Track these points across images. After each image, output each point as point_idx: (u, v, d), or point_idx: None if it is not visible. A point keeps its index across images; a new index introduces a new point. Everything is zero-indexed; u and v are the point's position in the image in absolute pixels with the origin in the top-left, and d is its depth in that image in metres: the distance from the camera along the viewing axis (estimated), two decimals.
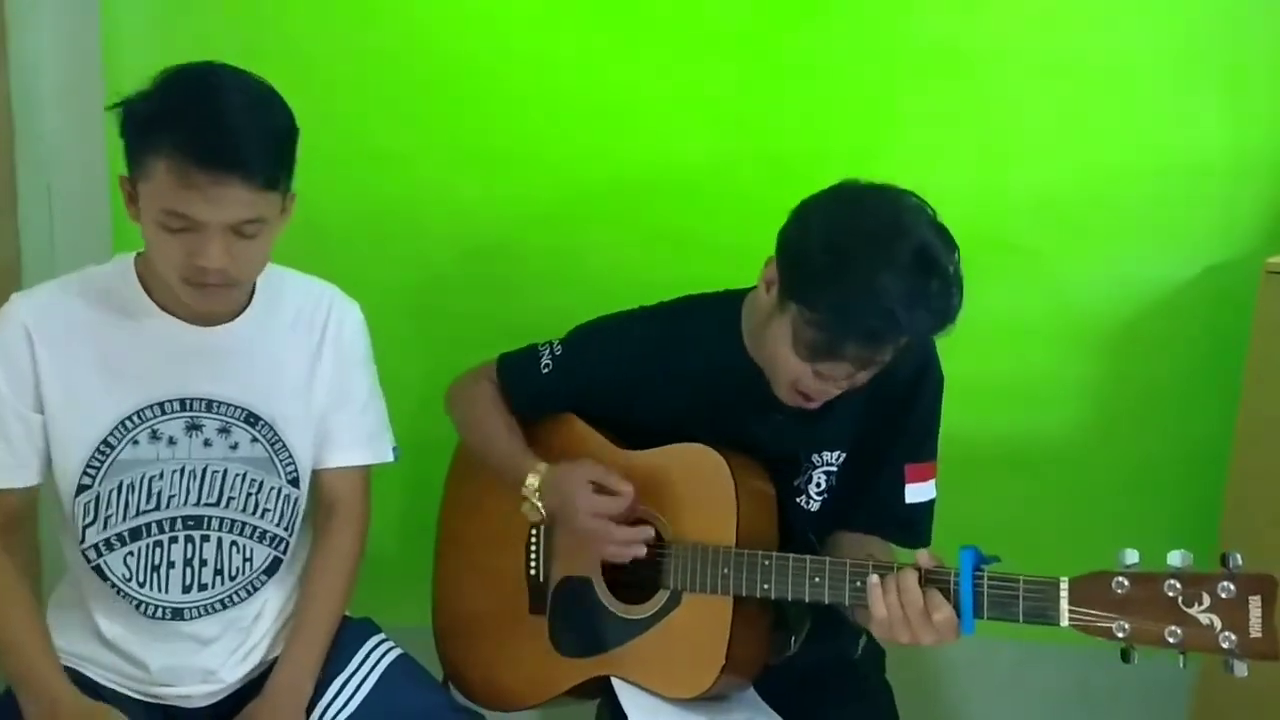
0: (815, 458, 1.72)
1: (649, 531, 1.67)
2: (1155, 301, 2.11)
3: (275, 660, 1.69)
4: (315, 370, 1.69)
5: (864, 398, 1.67)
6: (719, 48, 2.09)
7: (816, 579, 1.55)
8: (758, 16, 2.08)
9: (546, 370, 1.80)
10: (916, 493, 1.71)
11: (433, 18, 2.08)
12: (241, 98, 1.47)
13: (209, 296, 1.52)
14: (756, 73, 2.09)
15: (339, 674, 1.69)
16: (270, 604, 1.72)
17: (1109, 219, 2.09)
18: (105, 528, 1.60)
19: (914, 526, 1.69)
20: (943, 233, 1.52)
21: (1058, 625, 1.37)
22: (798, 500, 1.73)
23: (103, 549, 1.61)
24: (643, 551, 1.67)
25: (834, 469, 1.72)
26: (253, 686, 1.67)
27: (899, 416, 1.70)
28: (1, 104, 1.99)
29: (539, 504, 1.73)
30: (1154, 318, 2.11)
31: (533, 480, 1.73)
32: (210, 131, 1.42)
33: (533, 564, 1.82)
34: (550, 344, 1.82)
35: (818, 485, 1.72)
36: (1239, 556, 1.31)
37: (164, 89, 1.46)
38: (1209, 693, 2.03)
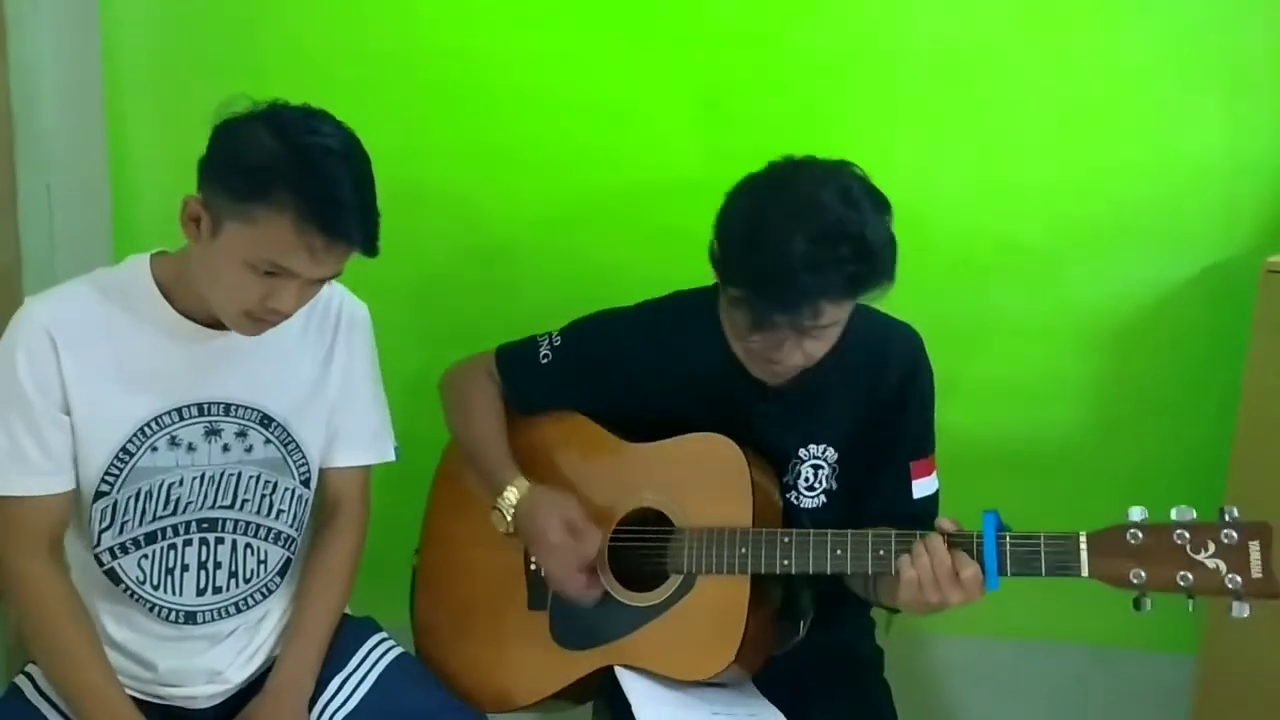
0: (802, 451, 1.73)
1: (599, 590, 1.71)
2: (1155, 301, 2.12)
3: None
4: (328, 370, 1.69)
5: (855, 396, 1.70)
6: (719, 48, 2.10)
7: (839, 551, 1.57)
8: (758, 16, 2.08)
9: (545, 361, 1.81)
10: (922, 487, 1.74)
11: (433, 17, 2.09)
12: (356, 165, 1.48)
13: (261, 328, 1.54)
14: (757, 72, 2.10)
15: (339, 672, 1.69)
16: (276, 603, 1.72)
17: (1109, 219, 2.10)
18: (121, 533, 1.60)
19: (924, 520, 1.68)
20: (862, 199, 1.54)
21: (1079, 576, 1.46)
22: (788, 495, 1.74)
23: (117, 552, 1.60)
24: (590, 604, 1.71)
25: (822, 463, 1.73)
26: (255, 685, 1.67)
27: (895, 417, 1.72)
28: (1, 104, 1.99)
29: (508, 516, 1.74)
30: (1154, 317, 2.12)
31: (510, 495, 1.74)
32: (338, 207, 1.44)
33: (534, 559, 1.82)
34: (549, 335, 1.83)
35: (806, 480, 1.73)
36: (1235, 510, 1.43)
37: (285, 139, 1.45)
38: (1210, 693, 2.03)
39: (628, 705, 1.63)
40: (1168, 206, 2.09)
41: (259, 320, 1.51)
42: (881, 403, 1.71)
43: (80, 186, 2.09)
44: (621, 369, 1.77)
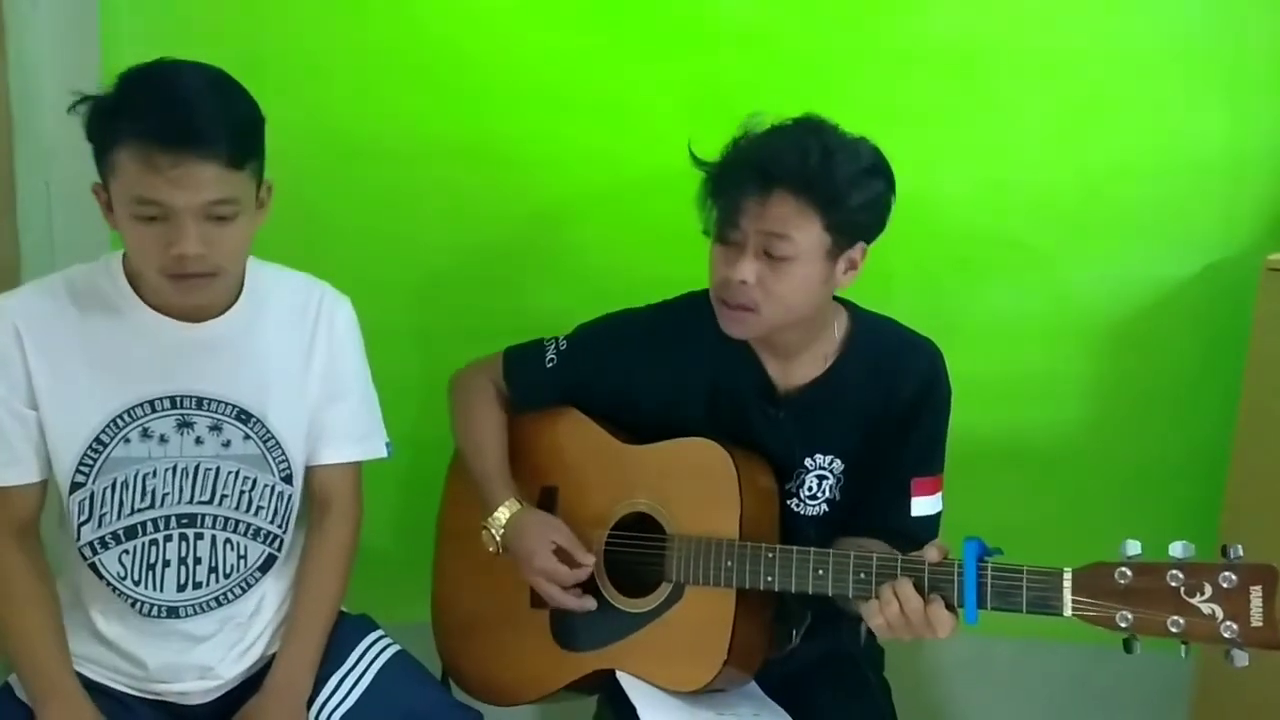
0: (808, 461, 1.72)
1: (591, 604, 1.72)
2: (1155, 299, 2.12)
3: (274, 657, 1.68)
4: (308, 366, 1.68)
5: (868, 409, 1.69)
6: (720, 46, 2.10)
7: (820, 571, 1.55)
8: (758, 15, 2.08)
9: (551, 364, 1.81)
10: (923, 505, 1.71)
11: (432, 16, 2.08)
12: (198, 81, 1.48)
13: (191, 289, 1.51)
14: (757, 71, 2.10)
15: (336, 670, 1.69)
16: (268, 600, 1.71)
17: (1109, 217, 2.10)
18: (100, 526, 1.60)
19: (919, 539, 1.65)
20: (866, 153, 1.60)
21: (1061, 615, 1.39)
22: (789, 503, 1.73)
23: (98, 547, 1.61)
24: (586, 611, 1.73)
25: (827, 474, 1.72)
26: (252, 683, 1.67)
27: (905, 431, 1.70)
28: (1, 104, 1.99)
29: (498, 538, 1.76)
30: (1154, 315, 2.12)
31: (500, 515, 1.76)
32: (168, 113, 1.43)
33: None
34: (556, 339, 1.83)
35: (809, 489, 1.72)
36: (1240, 548, 1.32)
37: (120, 85, 1.48)
38: (1209, 692, 2.03)
39: (629, 704, 1.64)
40: (1168, 206, 2.09)
41: (180, 277, 1.49)
42: (893, 417, 1.69)
43: (79, 185, 2.08)
44: (626, 376, 1.77)
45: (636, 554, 1.72)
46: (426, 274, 2.18)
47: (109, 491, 1.59)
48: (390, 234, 2.14)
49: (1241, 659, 1.31)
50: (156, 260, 1.47)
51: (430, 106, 2.11)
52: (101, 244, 2.09)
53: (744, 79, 2.10)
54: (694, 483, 1.68)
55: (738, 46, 2.09)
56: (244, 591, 1.68)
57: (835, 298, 1.75)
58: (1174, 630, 1.33)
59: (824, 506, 1.73)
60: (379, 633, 1.76)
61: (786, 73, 2.10)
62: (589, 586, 1.74)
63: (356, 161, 2.08)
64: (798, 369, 1.72)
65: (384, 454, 1.79)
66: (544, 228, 2.17)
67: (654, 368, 1.75)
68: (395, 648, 1.74)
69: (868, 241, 1.64)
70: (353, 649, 1.72)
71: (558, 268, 2.16)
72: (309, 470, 1.72)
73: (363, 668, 1.70)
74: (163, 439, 1.60)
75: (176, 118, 1.43)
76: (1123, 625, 1.35)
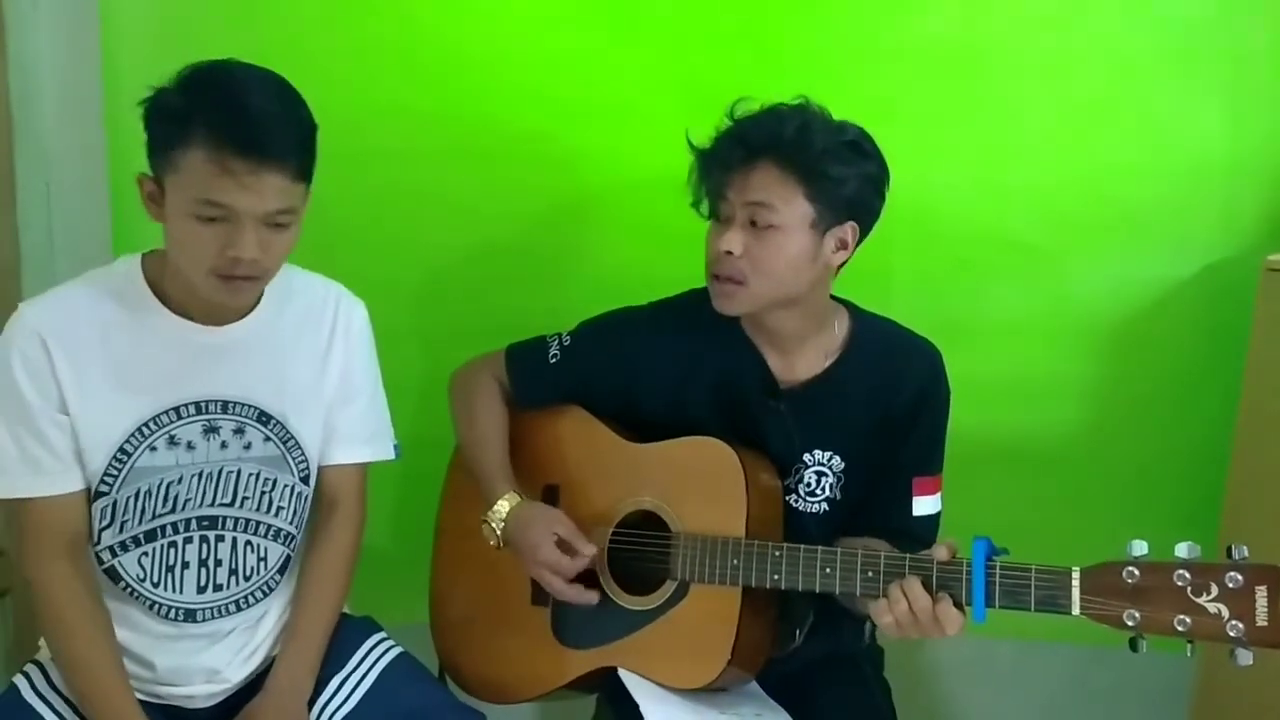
0: (808, 456, 1.72)
1: (594, 597, 1.71)
2: (1155, 299, 2.12)
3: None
4: (325, 368, 1.69)
5: (869, 408, 1.70)
6: (720, 46, 2.10)
7: (828, 569, 1.56)
8: (759, 15, 2.09)
9: (554, 360, 1.81)
10: (924, 505, 1.73)
11: (434, 15, 2.09)
12: (270, 90, 1.48)
13: (236, 290, 1.51)
14: (757, 72, 2.10)
15: (338, 671, 1.69)
16: (275, 603, 1.71)
17: (1109, 217, 2.11)
18: (121, 531, 1.59)
19: (920, 538, 1.68)
20: (852, 133, 1.64)
21: (1069, 614, 1.40)
22: (789, 499, 1.73)
23: (117, 550, 1.60)
24: (589, 605, 1.72)
25: (826, 471, 1.72)
26: (255, 685, 1.67)
27: (905, 432, 1.71)
28: (1, 104, 1.99)
29: (498, 530, 1.74)
30: (1154, 316, 2.12)
31: (501, 507, 1.74)
32: (246, 121, 1.43)
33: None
34: (559, 335, 1.83)
35: (809, 485, 1.73)
36: (1245, 548, 1.34)
37: (191, 84, 1.47)
38: (1209, 693, 2.03)
39: (630, 701, 1.64)
40: (1168, 206, 2.10)
41: (229, 278, 1.48)
42: (893, 418, 1.71)
43: (79, 185, 2.09)
44: (629, 371, 1.77)
45: (641, 552, 1.72)
46: (427, 273, 2.18)
47: (132, 500, 1.58)
48: (391, 233, 2.14)
49: (1246, 658, 1.33)
50: (210, 260, 1.47)
51: (432, 106, 2.11)
52: (102, 244, 2.10)
53: (745, 79, 2.08)
54: (700, 481, 1.68)
55: (738, 46, 2.10)
56: (265, 595, 1.68)
57: (836, 298, 1.76)
58: (1180, 629, 1.35)
59: (824, 505, 1.73)
60: (381, 634, 1.76)
61: (787, 72, 2.09)
62: (592, 583, 1.74)
63: (358, 161, 2.08)
64: (799, 364, 1.72)
65: (392, 455, 1.79)
66: (545, 227, 2.17)
67: (657, 364, 1.75)
68: (398, 649, 1.74)
69: (860, 224, 1.65)
70: (355, 651, 1.71)
71: (559, 267, 2.17)
72: (319, 470, 1.72)
73: (365, 669, 1.70)
74: (190, 446, 1.59)
75: (254, 128, 1.43)
76: (1130, 624, 1.37)
